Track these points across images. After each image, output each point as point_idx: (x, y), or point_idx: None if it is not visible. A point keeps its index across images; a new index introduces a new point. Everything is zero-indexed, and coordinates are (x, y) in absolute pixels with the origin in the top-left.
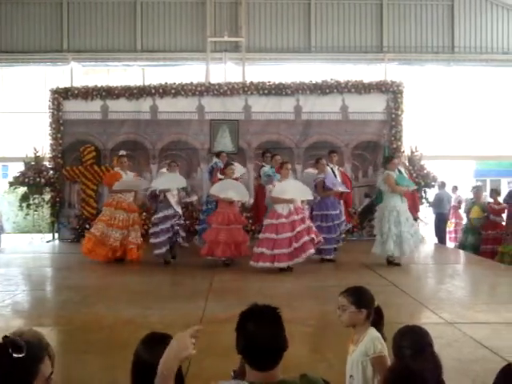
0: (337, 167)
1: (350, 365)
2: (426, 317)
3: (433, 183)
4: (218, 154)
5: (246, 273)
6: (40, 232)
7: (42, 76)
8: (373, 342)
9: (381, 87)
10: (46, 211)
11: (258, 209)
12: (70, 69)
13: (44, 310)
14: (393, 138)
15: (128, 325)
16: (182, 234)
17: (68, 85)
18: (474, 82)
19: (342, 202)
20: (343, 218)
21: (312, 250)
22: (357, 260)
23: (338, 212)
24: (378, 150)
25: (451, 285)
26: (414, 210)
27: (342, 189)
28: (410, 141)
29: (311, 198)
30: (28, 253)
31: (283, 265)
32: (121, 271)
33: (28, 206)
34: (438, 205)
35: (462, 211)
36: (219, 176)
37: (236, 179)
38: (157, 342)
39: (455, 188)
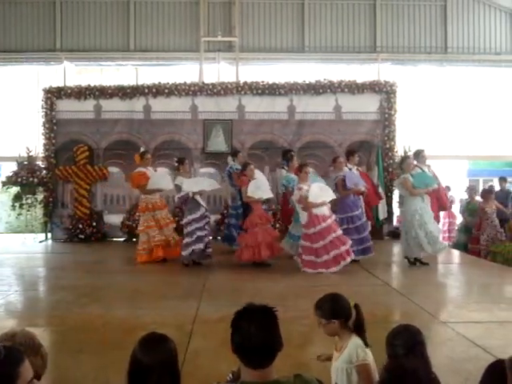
0: (355, 167)
1: (335, 372)
2: (419, 316)
3: None
4: (234, 153)
5: (239, 272)
6: (33, 232)
7: (34, 75)
8: (356, 350)
9: (374, 87)
10: (38, 211)
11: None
12: (63, 68)
13: (37, 311)
14: (386, 138)
15: (121, 325)
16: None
17: (61, 84)
18: (467, 82)
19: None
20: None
21: (349, 259)
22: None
23: (360, 211)
24: (371, 149)
25: (444, 284)
26: (440, 208)
27: (363, 187)
28: (403, 141)
29: (334, 197)
30: (21, 253)
31: (335, 269)
32: (114, 271)
33: (21, 206)
34: None
35: (454, 210)
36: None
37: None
38: (154, 343)
39: (447, 188)
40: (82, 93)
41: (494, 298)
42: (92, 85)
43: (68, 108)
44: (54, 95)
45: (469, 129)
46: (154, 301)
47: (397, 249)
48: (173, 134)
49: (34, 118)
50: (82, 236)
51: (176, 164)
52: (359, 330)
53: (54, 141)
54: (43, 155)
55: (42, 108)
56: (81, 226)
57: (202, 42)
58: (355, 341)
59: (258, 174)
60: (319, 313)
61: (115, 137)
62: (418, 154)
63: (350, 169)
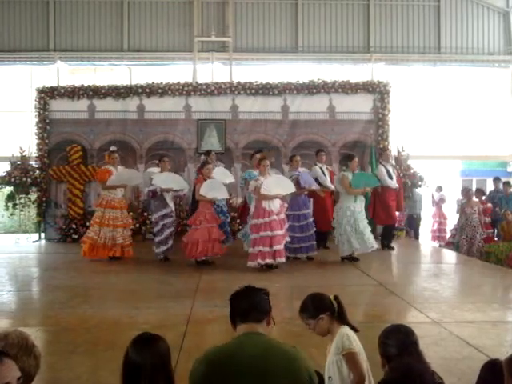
0: (325, 166)
1: (328, 365)
2: (412, 316)
3: (419, 183)
4: (207, 153)
5: (233, 273)
6: (26, 232)
7: (28, 75)
8: (341, 339)
9: (368, 87)
10: (32, 211)
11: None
12: (57, 68)
13: (30, 311)
14: (379, 138)
15: (115, 325)
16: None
17: (54, 84)
18: (460, 82)
19: (312, 200)
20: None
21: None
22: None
23: (309, 211)
24: (365, 149)
25: (438, 284)
26: (397, 208)
27: (315, 187)
28: (397, 141)
29: (294, 190)
30: (14, 253)
31: (284, 260)
32: (107, 271)
33: (14, 206)
34: (411, 205)
35: (445, 210)
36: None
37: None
38: (146, 343)
39: (439, 188)
40: (75, 93)
41: (487, 297)
42: (85, 85)
43: (61, 108)
44: (47, 95)
45: (462, 129)
46: (147, 301)
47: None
48: (166, 134)
49: (28, 117)
50: (76, 236)
51: (157, 162)
52: (342, 319)
53: (47, 141)
54: (36, 155)
55: (36, 108)
56: (74, 226)
57: (196, 41)
58: (342, 330)
59: (269, 175)
60: (305, 315)
61: (109, 137)
62: (383, 153)
63: (321, 167)
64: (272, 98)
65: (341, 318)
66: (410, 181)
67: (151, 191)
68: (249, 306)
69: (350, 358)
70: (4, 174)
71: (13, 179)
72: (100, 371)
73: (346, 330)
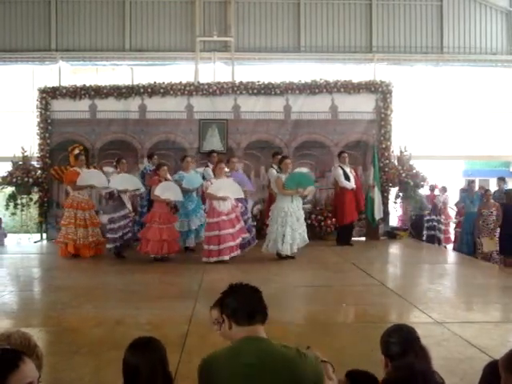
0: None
1: None
2: (414, 316)
3: (422, 183)
4: (149, 156)
5: (235, 273)
6: (28, 232)
7: (29, 75)
8: None
9: (370, 87)
10: (33, 211)
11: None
12: (58, 68)
13: (32, 311)
14: (382, 138)
15: (117, 325)
16: (134, 229)
17: (56, 84)
18: (463, 82)
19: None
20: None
21: (239, 251)
22: (347, 260)
23: (244, 209)
24: (367, 149)
25: (440, 284)
26: (357, 208)
27: (248, 188)
28: (399, 141)
29: (242, 196)
30: (16, 253)
31: (226, 258)
32: (109, 271)
33: (15, 206)
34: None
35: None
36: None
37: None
38: (143, 347)
39: (444, 189)
40: (77, 92)
41: (489, 298)
42: (87, 84)
43: (63, 108)
44: (48, 95)
45: (465, 129)
46: (149, 301)
47: (393, 249)
48: (168, 134)
49: (29, 117)
50: None
51: (114, 163)
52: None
53: (48, 141)
54: (38, 155)
55: (37, 108)
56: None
57: (198, 41)
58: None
59: (223, 177)
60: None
61: (110, 137)
62: (340, 155)
63: (343, 168)
64: (274, 97)
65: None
66: (412, 181)
67: (108, 193)
68: (256, 306)
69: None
70: (6, 174)
71: (14, 179)
72: (103, 372)
73: None
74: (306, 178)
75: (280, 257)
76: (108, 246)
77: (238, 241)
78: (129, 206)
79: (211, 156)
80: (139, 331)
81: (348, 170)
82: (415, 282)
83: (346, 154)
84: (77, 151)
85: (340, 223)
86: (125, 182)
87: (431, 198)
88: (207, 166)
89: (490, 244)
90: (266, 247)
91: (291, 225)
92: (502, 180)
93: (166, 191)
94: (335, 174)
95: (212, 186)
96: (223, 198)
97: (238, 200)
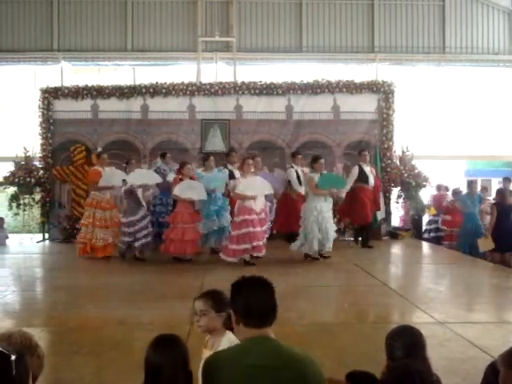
0: (300, 168)
1: None
2: (417, 316)
3: (424, 183)
4: (162, 155)
5: (237, 272)
6: (30, 232)
7: (31, 75)
8: (231, 344)
9: (372, 87)
10: (36, 211)
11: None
12: (61, 68)
13: (34, 311)
14: (384, 138)
15: (119, 325)
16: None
17: (58, 84)
18: (465, 82)
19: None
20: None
21: (262, 253)
22: (349, 260)
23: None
24: (369, 149)
25: (442, 284)
26: (374, 206)
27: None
28: (401, 141)
29: (272, 192)
30: (18, 253)
31: (261, 254)
32: (111, 271)
33: (18, 206)
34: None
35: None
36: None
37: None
38: (167, 344)
39: (446, 189)
40: (79, 93)
41: (491, 298)
42: (89, 85)
43: (65, 108)
44: (51, 95)
45: (467, 129)
46: (151, 301)
47: (395, 249)
48: (170, 134)
49: (31, 117)
50: None
51: (124, 165)
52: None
53: (51, 141)
54: (40, 155)
55: (39, 108)
56: (78, 226)
57: (200, 41)
58: (229, 337)
59: (251, 175)
60: (210, 303)
61: (112, 137)
62: (360, 154)
63: (296, 170)
64: (276, 97)
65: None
66: (414, 181)
67: (127, 191)
68: (268, 307)
69: None
70: (8, 174)
71: (17, 179)
72: (104, 372)
73: (232, 335)
74: (339, 179)
75: (307, 257)
76: (120, 245)
77: (265, 241)
78: (144, 204)
79: (230, 155)
80: (141, 331)
81: (368, 169)
82: (417, 282)
83: (367, 153)
84: (99, 149)
85: (360, 223)
86: (142, 176)
87: (438, 198)
88: (226, 166)
89: (485, 244)
90: (298, 247)
91: (325, 224)
92: (507, 180)
93: (188, 190)
94: (289, 174)
95: (239, 186)
96: (252, 197)
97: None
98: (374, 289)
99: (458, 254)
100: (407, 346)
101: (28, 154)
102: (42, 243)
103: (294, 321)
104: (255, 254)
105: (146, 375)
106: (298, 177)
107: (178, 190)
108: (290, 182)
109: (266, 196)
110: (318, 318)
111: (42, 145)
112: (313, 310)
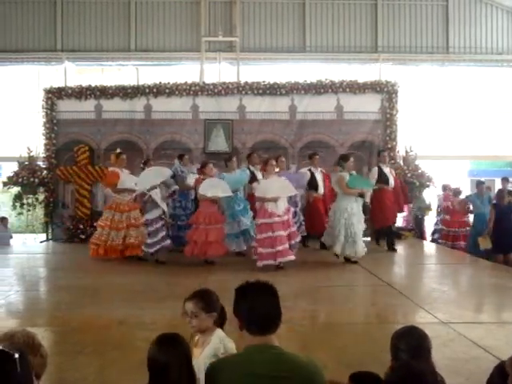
0: (319, 169)
1: (197, 368)
2: (420, 317)
3: (427, 183)
4: (180, 156)
5: (239, 273)
6: (34, 232)
7: (35, 75)
8: (223, 343)
9: (375, 87)
10: (39, 211)
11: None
12: (64, 68)
13: (38, 311)
14: (387, 138)
15: (122, 325)
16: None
17: (62, 84)
18: (469, 82)
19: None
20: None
21: (292, 257)
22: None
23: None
24: (372, 149)
25: (445, 284)
26: (397, 206)
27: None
28: (405, 141)
29: (294, 193)
30: (22, 253)
31: (286, 259)
32: (115, 271)
33: (21, 206)
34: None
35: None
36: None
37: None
38: (171, 343)
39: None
40: (82, 93)
41: (495, 298)
42: (93, 85)
43: (69, 108)
44: (54, 95)
45: (471, 129)
46: (153, 301)
47: (398, 249)
48: (173, 134)
49: (35, 118)
50: (83, 236)
51: (141, 166)
52: (222, 325)
53: (54, 141)
54: (44, 155)
55: (43, 108)
56: (81, 226)
57: (203, 41)
58: (219, 333)
59: (272, 176)
60: (200, 305)
61: (116, 137)
62: (380, 154)
63: (313, 172)
64: (279, 97)
65: (221, 324)
66: (417, 181)
67: (140, 195)
68: (272, 314)
69: None
70: (12, 174)
71: (20, 179)
72: (107, 371)
73: (221, 332)
74: (366, 179)
75: (347, 261)
76: (146, 249)
77: (284, 246)
78: (163, 206)
79: (251, 156)
80: (143, 331)
81: (387, 169)
82: (420, 282)
83: (386, 153)
84: (118, 150)
85: (381, 226)
86: (150, 178)
87: (444, 199)
88: (248, 167)
89: (483, 242)
90: (337, 250)
91: (353, 229)
92: (505, 180)
93: (212, 188)
94: (336, 177)
95: (259, 188)
96: (273, 200)
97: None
98: (377, 289)
99: (462, 254)
100: (412, 348)
101: (32, 154)
102: (45, 243)
103: (297, 321)
104: (280, 260)
105: (152, 375)
106: (314, 179)
107: (202, 189)
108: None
109: (290, 198)
110: (321, 318)
111: (45, 145)
112: (316, 310)
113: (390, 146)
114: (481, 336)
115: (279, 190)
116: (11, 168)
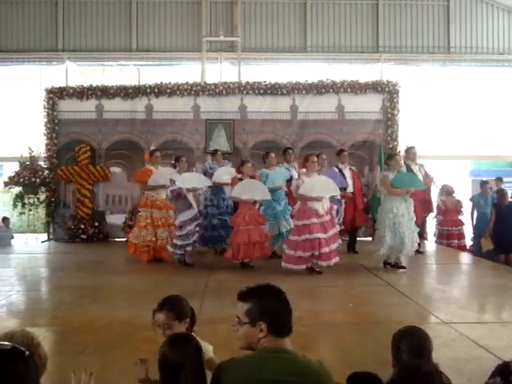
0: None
1: None
2: (422, 317)
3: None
4: (213, 153)
5: (242, 272)
6: (35, 232)
7: (36, 75)
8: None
9: (377, 87)
10: (40, 211)
11: None
12: (65, 68)
13: (39, 311)
14: (389, 138)
15: (123, 325)
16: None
17: (63, 84)
18: (470, 82)
19: None
20: None
21: (337, 259)
22: (353, 260)
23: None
24: (373, 149)
25: (447, 284)
26: (424, 210)
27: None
28: (406, 141)
29: (338, 193)
30: (23, 253)
31: (328, 263)
32: (116, 272)
33: (23, 206)
34: None
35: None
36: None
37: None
38: (184, 343)
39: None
40: (83, 93)
41: (496, 298)
42: (94, 85)
43: (70, 108)
44: (55, 95)
45: (472, 129)
46: (156, 301)
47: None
48: (175, 134)
49: (36, 118)
50: (84, 236)
51: (173, 162)
52: (192, 327)
53: (55, 141)
54: (45, 155)
55: (44, 108)
56: (83, 226)
57: (204, 41)
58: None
59: (315, 174)
60: (172, 315)
61: (117, 137)
62: (408, 151)
63: (341, 169)
64: (281, 97)
65: (191, 328)
66: None
67: (175, 191)
68: (289, 317)
69: (213, 364)
70: (13, 174)
71: (22, 179)
72: (108, 372)
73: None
74: (415, 178)
75: (386, 265)
76: (171, 249)
77: (334, 246)
78: (196, 207)
79: (287, 154)
80: (145, 331)
81: (348, 172)
82: (422, 282)
83: (346, 153)
84: (153, 147)
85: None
86: (192, 180)
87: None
88: (282, 163)
89: (485, 243)
90: (381, 254)
91: (402, 227)
92: (499, 180)
93: (247, 190)
94: (380, 176)
95: (303, 186)
96: (317, 199)
97: (331, 201)
98: (378, 289)
99: (463, 253)
100: (414, 349)
101: (33, 154)
102: (46, 243)
103: (297, 321)
104: (320, 264)
105: (164, 375)
106: (343, 176)
107: (236, 191)
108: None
109: (332, 197)
110: (323, 318)
111: (46, 145)
112: (317, 310)
113: (391, 145)
114: (482, 336)
115: (324, 189)
116: (12, 168)
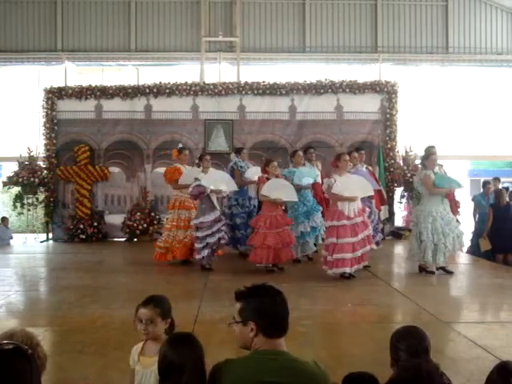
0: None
1: (148, 377)
2: (420, 316)
3: None
4: (237, 150)
5: (240, 273)
6: (34, 232)
7: (35, 75)
8: None
9: (375, 87)
10: (39, 211)
11: None
12: (64, 68)
13: (38, 311)
14: (387, 138)
15: (123, 325)
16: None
17: (62, 84)
18: (468, 82)
19: None
20: None
21: (366, 262)
22: None
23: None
24: (372, 149)
25: (445, 284)
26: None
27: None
28: (405, 141)
29: (372, 193)
30: (22, 253)
31: (340, 271)
32: (115, 271)
33: (22, 206)
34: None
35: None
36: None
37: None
38: (186, 342)
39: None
40: (82, 93)
41: (495, 298)
42: (93, 85)
43: (69, 108)
44: (54, 95)
45: (470, 129)
46: None
47: (398, 249)
48: (174, 134)
49: (35, 118)
50: (83, 236)
51: (197, 161)
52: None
53: (54, 141)
54: (44, 155)
55: (43, 108)
56: (82, 226)
57: (203, 41)
58: None
59: (348, 173)
60: (158, 311)
61: (116, 137)
62: (294, 154)
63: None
64: (279, 98)
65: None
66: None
67: (197, 189)
68: (284, 317)
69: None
70: (12, 175)
71: (20, 179)
72: (108, 371)
73: None
74: (453, 178)
75: (422, 270)
76: (197, 256)
77: (361, 251)
78: (219, 207)
79: (308, 153)
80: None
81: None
82: (420, 281)
83: (312, 150)
84: (180, 145)
85: None
86: (219, 182)
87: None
88: (304, 164)
89: (484, 244)
90: (420, 258)
91: (442, 231)
92: (497, 180)
93: (276, 190)
94: (420, 176)
95: (337, 185)
96: (351, 199)
97: (363, 202)
98: (377, 288)
99: (461, 254)
100: (412, 348)
101: (32, 154)
102: (45, 243)
103: (296, 321)
104: (356, 267)
105: (164, 376)
106: None
107: (266, 190)
108: None
109: (363, 198)
110: (321, 318)
111: (45, 145)
112: (315, 309)
113: (389, 145)
114: (481, 336)
115: (359, 189)
116: (11, 168)
